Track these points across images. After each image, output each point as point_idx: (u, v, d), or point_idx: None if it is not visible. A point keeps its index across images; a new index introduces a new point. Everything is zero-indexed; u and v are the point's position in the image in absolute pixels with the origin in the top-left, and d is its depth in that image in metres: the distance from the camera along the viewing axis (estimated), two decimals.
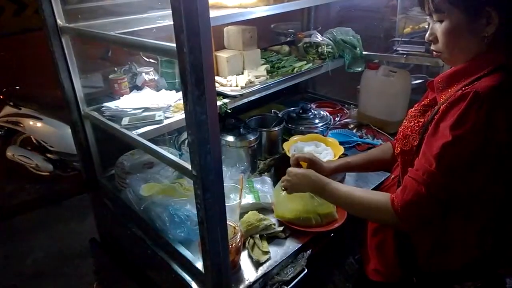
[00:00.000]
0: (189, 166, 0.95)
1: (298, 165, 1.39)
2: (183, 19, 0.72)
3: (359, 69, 2.05)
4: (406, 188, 0.94)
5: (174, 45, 0.78)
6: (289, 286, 1.27)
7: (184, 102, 0.82)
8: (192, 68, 0.77)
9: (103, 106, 1.48)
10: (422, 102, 1.08)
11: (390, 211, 0.97)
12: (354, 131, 2.13)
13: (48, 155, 3.30)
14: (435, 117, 0.92)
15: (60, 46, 1.39)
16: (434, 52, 1.01)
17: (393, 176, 1.23)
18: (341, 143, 1.81)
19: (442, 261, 1.07)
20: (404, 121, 1.09)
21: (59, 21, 1.36)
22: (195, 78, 0.78)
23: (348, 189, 1.13)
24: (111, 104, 1.48)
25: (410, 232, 1.05)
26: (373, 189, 1.59)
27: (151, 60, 1.80)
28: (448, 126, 0.87)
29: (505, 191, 1.00)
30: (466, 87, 0.89)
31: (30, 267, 2.63)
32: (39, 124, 3.14)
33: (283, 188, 1.33)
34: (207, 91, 0.82)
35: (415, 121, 1.03)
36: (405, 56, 1.96)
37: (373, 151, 1.42)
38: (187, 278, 1.24)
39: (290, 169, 1.30)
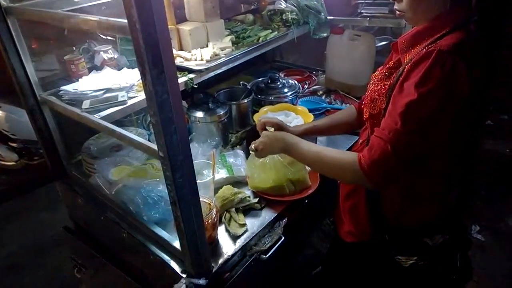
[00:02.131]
0: (156, 147, 0.93)
1: (264, 130, 1.39)
2: None
3: (325, 34, 2.03)
4: (373, 147, 0.95)
5: (126, 21, 0.73)
6: (267, 255, 1.30)
7: (142, 82, 0.79)
8: (147, 45, 0.72)
9: (61, 90, 1.40)
10: (387, 65, 1.08)
11: (357, 170, 0.98)
12: (323, 97, 2.14)
13: (11, 144, 3.15)
14: (400, 78, 0.93)
15: (7, 28, 1.28)
16: (397, 12, 1.01)
17: (361, 140, 1.25)
18: (310, 111, 1.82)
19: (411, 217, 1.12)
20: (370, 85, 1.10)
21: (2, 1, 1.24)
22: (151, 56, 0.74)
23: (318, 149, 1.14)
24: (69, 87, 1.41)
25: (377, 189, 1.08)
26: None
27: (108, 38, 1.70)
28: (413, 84, 0.88)
29: (465, 145, 1.03)
30: (429, 46, 0.90)
31: (5, 260, 2.57)
32: None
33: (253, 148, 1.30)
34: (167, 69, 0.78)
35: (382, 84, 1.03)
36: (368, 18, 1.96)
37: (338, 114, 1.44)
38: (166, 257, 1.24)
39: (263, 134, 1.30)
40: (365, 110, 1.11)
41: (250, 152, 1.34)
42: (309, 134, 1.51)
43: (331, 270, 1.49)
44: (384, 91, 1.02)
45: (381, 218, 1.13)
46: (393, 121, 0.92)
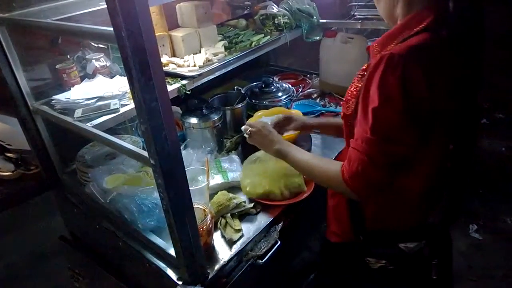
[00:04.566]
0: (147, 155, 0.92)
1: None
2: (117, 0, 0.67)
3: (317, 37, 2.03)
4: (351, 159, 0.95)
5: (112, 29, 0.73)
6: (263, 260, 1.29)
7: (131, 90, 0.78)
8: (134, 53, 0.72)
9: (53, 99, 1.40)
10: (362, 67, 1.07)
11: (341, 182, 0.97)
12: (318, 100, 2.14)
13: (7, 154, 3.14)
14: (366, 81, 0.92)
15: None
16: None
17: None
18: (305, 114, 1.83)
19: (388, 220, 1.10)
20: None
21: None
22: (139, 64, 0.74)
23: (308, 158, 1.14)
24: (61, 96, 1.40)
25: (363, 200, 1.06)
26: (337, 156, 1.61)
27: (100, 46, 1.71)
28: (373, 90, 0.87)
29: (444, 150, 1.01)
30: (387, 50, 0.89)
31: (4, 271, 2.55)
32: None
33: (248, 132, 1.33)
34: (155, 76, 0.78)
35: (355, 86, 1.03)
36: (360, 21, 1.96)
37: None
38: (162, 265, 1.24)
39: (263, 124, 1.33)
40: (342, 109, 1.11)
41: (242, 130, 1.37)
42: (322, 128, 1.57)
43: (321, 270, 1.47)
44: (355, 93, 1.01)
45: (360, 219, 1.12)
46: (363, 130, 0.91)
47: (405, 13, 0.94)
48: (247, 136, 1.34)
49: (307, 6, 2.01)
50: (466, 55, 0.92)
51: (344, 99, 1.08)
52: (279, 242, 1.34)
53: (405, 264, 1.10)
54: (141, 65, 0.75)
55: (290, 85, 2.09)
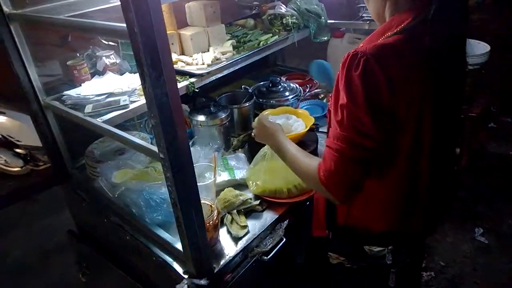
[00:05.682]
0: (156, 149, 0.94)
1: None
2: None
3: (325, 38, 2.04)
4: (325, 157, 0.93)
5: (125, 25, 0.75)
6: (268, 256, 1.30)
7: (142, 85, 0.80)
8: (145, 49, 0.74)
9: (64, 95, 1.43)
10: None
11: (318, 181, 0.94)
12: (325, 100, 2.14)
13: (17, 150, 3.18)
14: None
15: (10, 35, 1.32)
16: None
17: None
18: (312, 114, 1.82)
19: (357, 221, 1.08)
20: None
21: (5, 8, 1.28)
22: (150, 59, 0.76)
23: (294, 152, 1.10)
24: (72, 92, 1.43)
25: (342, 203, 1.01)
26: None
27: (110, 43, 1.73)
28: (341, 87, 0.88)
29: (411, 160, 0.98)
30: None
31: (11, 266, 2.58)
32: (2, 119, 3.01)
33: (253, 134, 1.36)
34: (166, 71, 0.80)
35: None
36: (368, 22, 1.97)
37: None
38: (168, 259, 1.26)
39: (261, 119, 1.31)
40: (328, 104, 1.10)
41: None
42: None
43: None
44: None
45: (333, 215, 1.12)
46: (334, 126, 0.92)
47: (392, 14, 0.94)
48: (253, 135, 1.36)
49: (315, 6, 2.02)
50: (444, 66, 0.89)
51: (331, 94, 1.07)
52: (284, 239, 1.35)
53: (362, 266, 1.10)
54: (152, 60, 0.77)
55: (297, 85, 2.09)
